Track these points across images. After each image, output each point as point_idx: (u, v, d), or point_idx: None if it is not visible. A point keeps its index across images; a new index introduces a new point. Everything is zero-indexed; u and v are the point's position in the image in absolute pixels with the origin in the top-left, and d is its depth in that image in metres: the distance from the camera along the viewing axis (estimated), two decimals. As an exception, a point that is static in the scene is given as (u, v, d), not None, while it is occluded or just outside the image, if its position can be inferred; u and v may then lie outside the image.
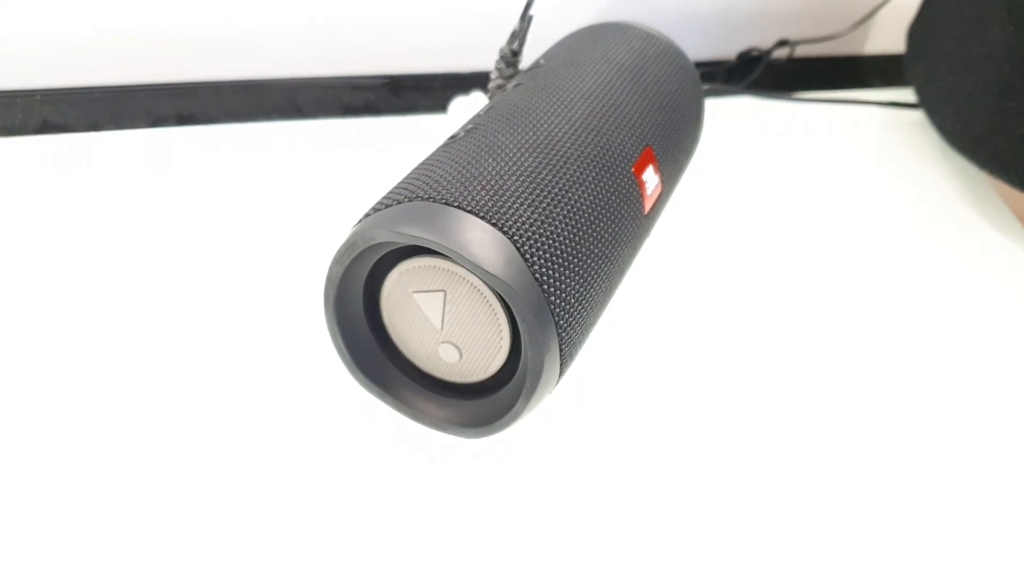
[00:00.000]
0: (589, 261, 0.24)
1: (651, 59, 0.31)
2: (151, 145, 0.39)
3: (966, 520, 0.28)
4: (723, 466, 0.28)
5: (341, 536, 0.25)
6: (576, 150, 0.25)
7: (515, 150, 0.25)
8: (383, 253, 0.24)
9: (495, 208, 0.23)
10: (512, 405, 0.24)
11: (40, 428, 0.27)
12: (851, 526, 0.27)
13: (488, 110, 0.27)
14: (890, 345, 0.34)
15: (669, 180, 0.30)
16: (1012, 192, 0.41)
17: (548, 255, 0.23)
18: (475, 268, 0.22)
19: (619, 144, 0.27)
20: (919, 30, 0.46)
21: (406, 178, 0.25)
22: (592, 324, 0.26)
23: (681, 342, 0.32)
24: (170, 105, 0.41)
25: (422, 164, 0.25)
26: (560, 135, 0.26)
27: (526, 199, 0.23)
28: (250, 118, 0.42)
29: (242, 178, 0.37)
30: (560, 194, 0.24)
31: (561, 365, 0.24)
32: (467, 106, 0.39)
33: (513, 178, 0.24)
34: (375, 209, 0.24)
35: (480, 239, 0.22)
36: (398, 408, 0.27)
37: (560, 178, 0.24)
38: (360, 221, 0.24)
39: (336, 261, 0.24)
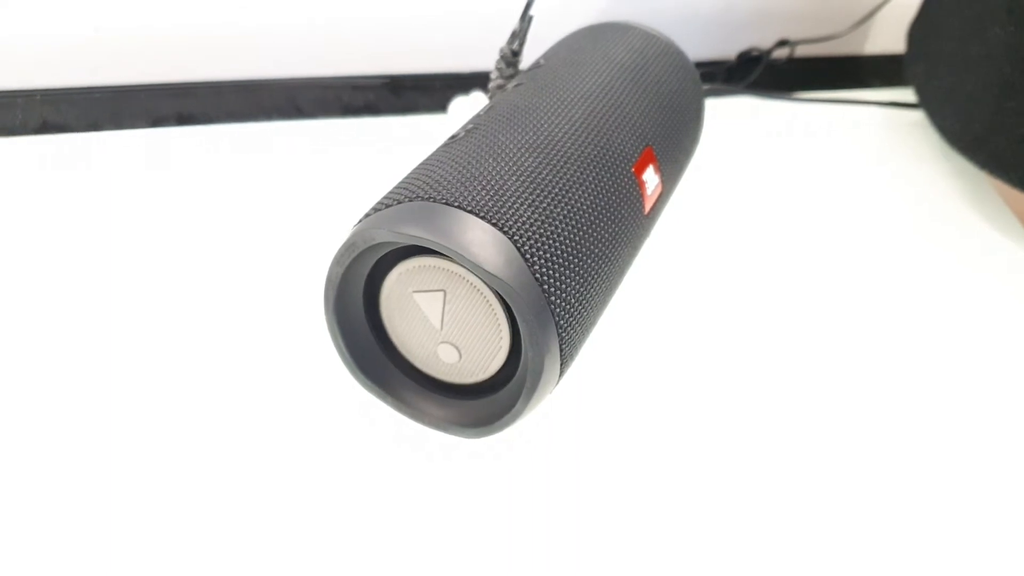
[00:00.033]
0: (589, 261, 0.24)
1: (651, 59, 0.31)
2: (151, 145, 0.39)
3: (966, 520, 0.28)
4: (723, 466, 0.28)
5: (341, 536, 0.25)
6: (576, 150, 0.25)
7: (515, 150, 0.25)
8: (383, 253, 0.24)
9: (495, 208, 0.23)
10: (512, 405, 0.24)
11: (40, 428, 0.27)
12: (851, 526, 0.27)
13: (488, 110, 0.27)
14: (890, 345, 0.34)
15: (669, 180, 0.30)
16: (1012, 192, 0.41)
17: (548, 255, 0.23)
18: (475, 268, 0.22)
19: (619, 144, 0.27)
20: (919, 30, 0.46)
21: (406, 178, 0.25)
22: (592, 324, 0.26)
23: (681, 342, 0.32)
24: (170, 105, 0.41)
25: (422, 164, 0.25)
26: (560, 135, 0.26)
27: (526, 199, 0.23)
28: (250, 118, 0.42)
29: (242, 178, 0.37)
30: (560, 194, 0.24)
31: (561, 365, 0.24)
32: (467, 106, 0.39)
33: (513, 178, 0.24)
34: (375, 209, 0.24)
35: (480, 239, 0.22)
36: (398, 408, 0.27)
37: (560, 178, 0.24)
38: (360, 221, 0.24)
39: (336, 261, 0.24)
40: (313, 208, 0.35)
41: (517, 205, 0.23)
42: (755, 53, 0.50)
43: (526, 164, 0.24)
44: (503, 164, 0.24)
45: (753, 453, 0.29)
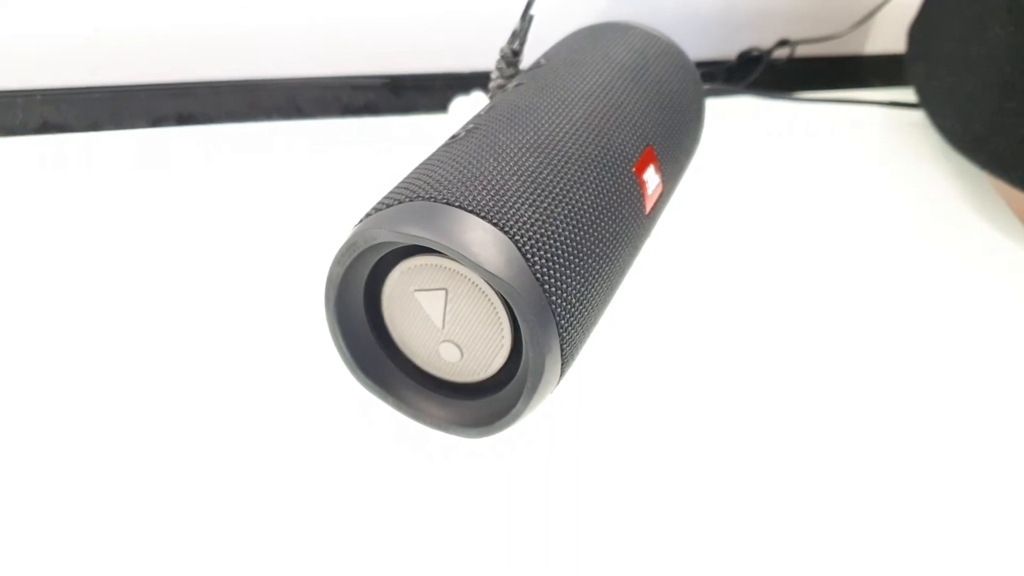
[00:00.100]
0: (590, 261, 0.24)
1: (652, 59, 0.31)
2: (151, 145, 0.39)
3: (966, 520, 0.28)
4: (724, 466, 0.28)
5: (341, 536, 0.25)
6: (577, 150, 0.25)
7: (516, 150, 0.25)
8: (384, 253, 0.24)
9: (496, 208, 0.23)
10: (513, 405, 0.24)
11: (40, 428, 0.26)
12: (851, 526, 0.27)
13: (489, 110, 0.27)
14: (891, 345, 0.34)
15: (670, 180, 0.30)
16: (1013, 192, 0.41)
17: (549, 255, 0.23)
18: (476, 268, 0.22)
19: (620, 144, 0.27)
20: (919, 30, 0.46)
21: (407, 178, 0.25)
22: (593, 324, 0.26)
23: (682, 342, 0.32)
24: (170, 105, 0.41)
25: (423, 164, 0.25)
26: (561, 135, 0.26)
27: (527, 199, 0.23)
28: (250, 118, 0.42)
29: (242, 178, 0.37)
30: (561, 194, 0.24)
31: (562, 365, 0.24)
32: (468, 106, 0.39)
33: (514, 178, 0.24)
34: (376, 209, 0.24)
35: (481, 239, 0.22)
36: (399, 408, 0.27)
37: (561, 178, 0.24)
38: (361, 221, 0.24)
39: (337, 261, 0.24)
40: (313, 208, 0.35)
41: (518, 205, 0.23)
42: (755, 53, 0.50)
43: (527, 164, 0.24)
44: (504, 164, 0.24)
45: (754, 453, 0.29)
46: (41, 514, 0.24)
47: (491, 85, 0.34)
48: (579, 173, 0.25)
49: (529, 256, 0.22)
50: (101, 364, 0.29)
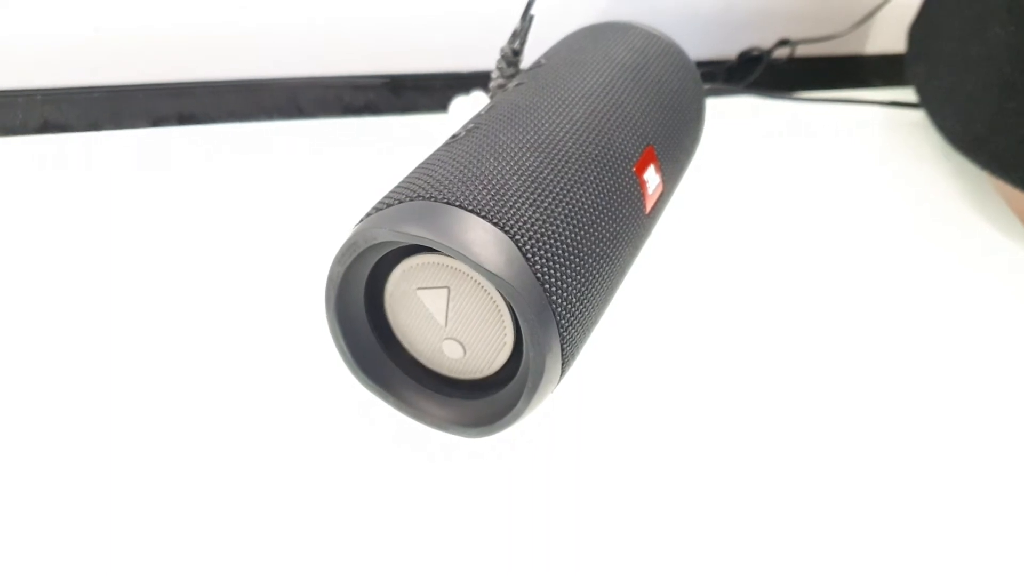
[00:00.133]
0: (591, 260, 0.24)
1: (652, 59, 0.31)
2: (151, 145, 0.39)
3: (966, 520, 0.28)
4: (724, 466, 0.28)
5: (341, 536, 0.25)
6: (577, 149, 0.25)
7: (516, 149, 0.25)
8: (384, 252, 0.24)
9: (497, 207, 0.23)
10: (513, 405, 0.24)
11: (41, 427, 0.26)
12: (851, 526, 0.27)
13: (489, 110, 0.27)
14: (891, 345, 0.34)
15: (670, 180, 0.30)
16: (1013, 192, 0.41)
17: (550, 254, 0.23)
18: (477, 268, 0.22)
19: (620, 143, 0.27)
20: (920, 30, 0.46)
21: (407, 177, 0.25)
22: (594, 323, 0.26)
23: (682, 342, 0.32)
24: (170, 105, 0.41)
25: (423, 164, 0.25)
26: (561, 134, 0.26)
27: (527, 198, 0.23)
28: (250, 118, 0.42)
29: (242, 178, 0.37)
30: (561, 193, 0.24)
31: (563, 365, 0.24)
32: (468, 106, 0.39)
33: (514, 177, 0.24)
34: (376, 208, 0.24)
35: (482, 239, 0.22)
36: (399, 408, 0.27)
37: (561, 177, 0.24)
38: (361, 220, 0.24)
39: (337, 261, 0.24)
40: (314, 208, 0.35)
41: (518, 204, 0.23)
42: (756, 53, 0.50)
43: (527, 163, 0.24)
44: (504, 163, 0.24)
45: (754, 452, 0.29)
46: (41, 514, 0.24)
47: (491, 85, 0.34)
48: (579, 173, 0.25)
49: (529, 256, 0.22)
50: (102, 364, 0.29)
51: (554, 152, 0.25)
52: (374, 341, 0.26)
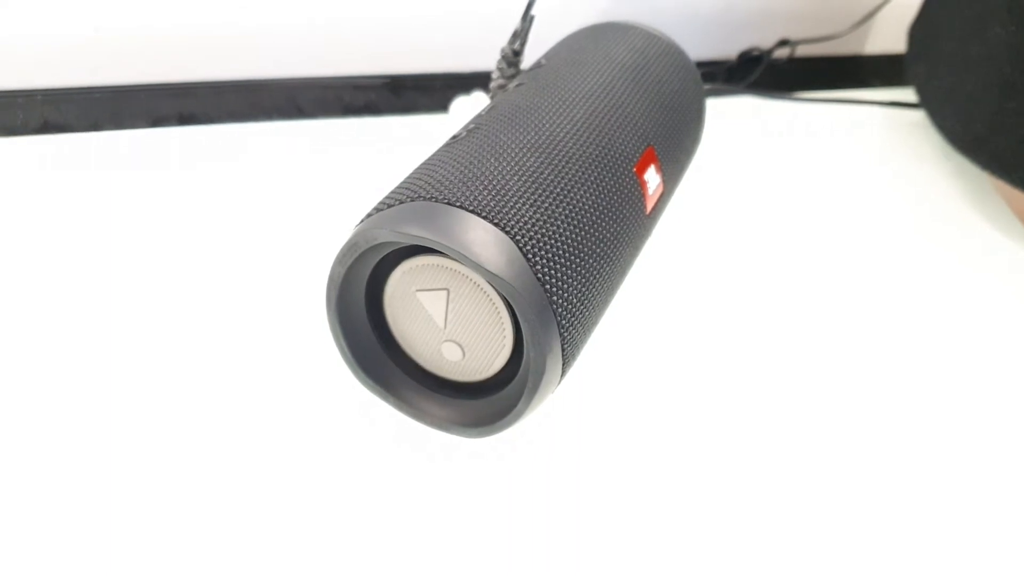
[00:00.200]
0: (591, 261, 0.24)
1: (652, 59, 0.31)
2: (152, 145, 0.39)
3: (966, 520, 0.28)
4: (725, 466, 0.28)
5: (342, 536, 0.25)
6: (578, 150, 0.25)
7: (517, 150, 0.25)
8: (385, 253, 0.24)
9: (497, 208, 0.23)
10: (514, 405, 0.24)
11: (41, 427, 0.26)
12: (851, 526, 0.27)
13: (490, 110, 0.27)
14: (891, 345, 0.34)
15: (671, 180, 0.30)
16: (1013, 192, 0.41)
17: (550, 255, 0.23)
18: (477, 268, 0.22)
19: (621, 144, 0.27)
20: (920, 30, 0.46)
21: (408, 178, 0.25)
22: (594, 324, 0.26)
23: (683, 342, 0.32)
24: (171, 105, 0.41)
25: (424, 164, 0.25)
26: (562, 135, 0.26)
27: (528, 199, 0.23)
28: (250, 118, 0.42)
29: (243, 178, 0.37)
30: (562, 194, 0.24)
31: (563, 365, 0.24)
32: (468, 106, 0.39)
33: (515, 178, 0.24)
34: (377, 209, 0.24)
35: (482, 239, 0.22)
36: (400, 408, 0.27)
37: (562, 178, 0.24)
38: (362, 221, 0.24)
39: (338, 261, 0.24)
40: (314, 208, 0.35)
41: (519, 205, 0.23)
42: (756, 53, 0.50)
43: (528, 164, 0.24)
44: (505, 164, 0.24)
45: (754, 453, 0.29)
46: (41, 513, 0.24)
47: (492, 85, 0.34)
48: (580, 173, 0.25)
49: (530, 256, 0.22)
50: (103, 364, 0.29)
51: (555, 152, 0.25)
52: (375, 341, 0.26)
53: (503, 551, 0.25)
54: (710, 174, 0.38)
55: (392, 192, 0.24)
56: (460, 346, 0.25)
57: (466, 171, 0.24)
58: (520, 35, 0.32)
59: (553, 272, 0.23)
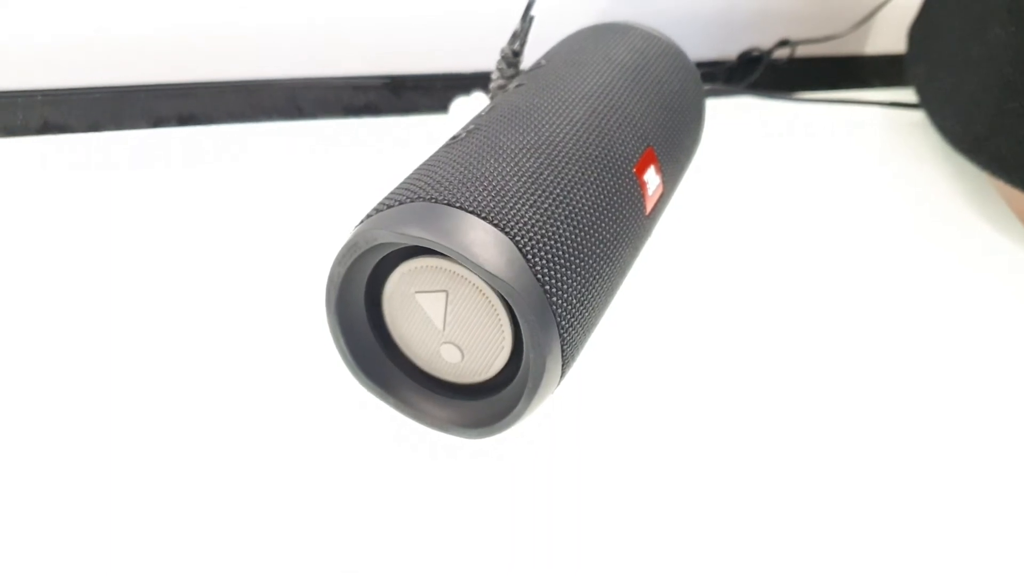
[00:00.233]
0: (591, 262, 0.24)
1: (652, 59, 0.31)
2: (152, 146, 0.39)
3: (966, 520, 0.28)
4: (725, 466, 0.28)
5: (342, 536, 0.25)
6: (578, 150, 0.25)
7: (517, 151, 0.25)
8: (385, 253, 0.24)
9: (497, 209, 0.23)
10: (514, 406, 0.24)
11: (42, 428, 0.26)
12: (851, 526, 0.27)
13: (489, 110, 0.27)
14: (891, 345, 0.34)
15: (670, 180, 0.30)
16: (1013, 193, 0.41)
17: (550, 256, 0.23)
18: (477, 269, 0.22)
19: (620, 144, 0.27)
20: (920, 30, 0.46)
21: (408, 179, 0.25)
22: (594, 325, 0.26)
23: (683, 343, 0.32)
24: (171, 105, 0.41)
25: (424, 165, 0.25)
26: (562, 135, 0.26)
27: (528, 200, 0.23)
28: (251, 118, 0.42)
29: (243, 179, 0.37)
30: (562, 195, 0.24)
31: (563, 366, 0.24)
32: (468, 106, 0.39)
33: (515, 179, 0.24)
34: (377, 210, 0.24)
35: (482, 240, 0.22)
36: (399, 409, 0.27)
37: (562, 178, 0.24)
38: (362, 222, 0.24)
39: (338, 262, 0.24)
40: (314, 208, 0.35)
41: (519, 206, 0.23)
42: (756, 53, 0.50)
43: (527, 164, 0.24)
44: (504, 165, 0.24)
45: (754, 453, 0.29)
46: (40, 513, 0.24)
47: (492, 86, 0.34)
48: (580, 174, 0.25)
49: (530, 257, 0.22)
50: (103, 365, 0.29)
51: (554, 153, 0.25)
52: (374, 342, 0.26)
53: (503, 551, 0.25)
54: (710, 175, 0.38)
55: (392, 193, 0.24)
56: (459, 348, 0.25)
57: (466, 172, 0.24)
58: (520, 35, 0.32)
59: (553, 273, 0.23)
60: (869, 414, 0.31)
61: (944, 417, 0.31)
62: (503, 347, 0.25)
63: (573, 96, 0.27)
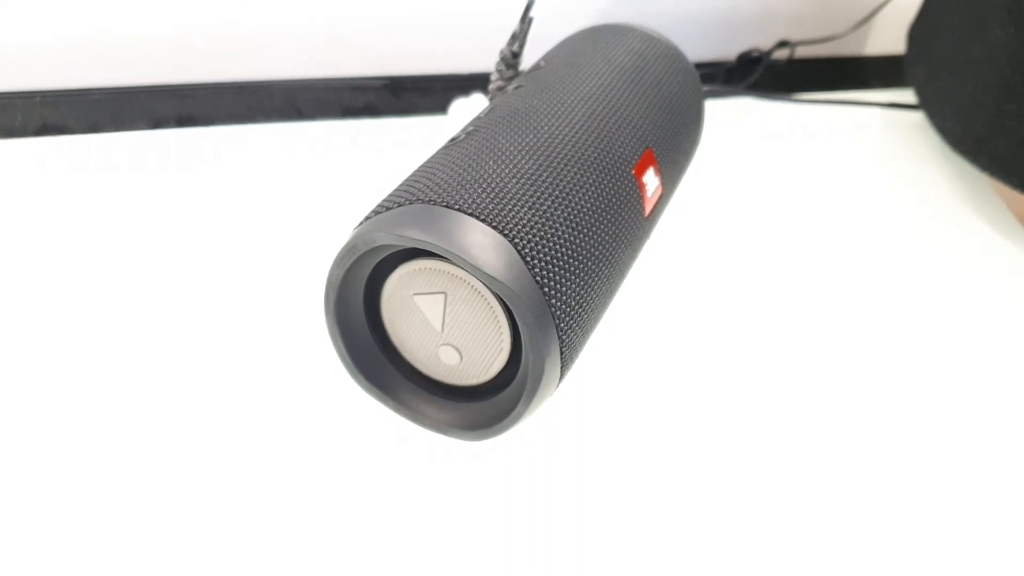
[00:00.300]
0: (590, 263, 0.24)
1: (651, 61, 0.31)
2: (151, 147, 0.39)
3: (966, 520, 0.28)
4: (724, 467, 0.28)
5: (341, 538, 0.25)
6: (576, 152, 0.25)
7: (516, 152, 0.25)
8: (384, 255, 0.24)
9: (496, 211, 0.23)
10: (513, 408, 0.24)
11: (42, 428, 0.26)
12: (851, 527, 0.27)
13: (488, 112, 0.27)
14: (891, 346, 0.34)
15: (669, 182, 0.30)
16: (1013, 194, 0.41)
17: (549, 258, 0.23)
18: (476, 271, 0.22)
19: (619, 146, 0.27)
20: (919, 31, 0.46)
21: (407, 180, 0.25)
22: (593, 327, 0.26)
23: (682, 344, 0.32)
24: (170, 107, 0.41)
25: (423, 166, 0.25)
26: (561, 137, 0.26)
27: (527, 202, 0.23)
28: (250, 120, 0.42)
29: (242, 180, 0.37)
30: (561, 196, 0.24)
31: (562, 368, 0.24)
32: (467, 108, 0.39)
33: (514, 180, 0.24)
34: (376, 212, 0.24)
35: (481, 242, 0.22)
36: (398, 411, 0.27)
37: (561, 180, 0.24)
38: (361, 223, 0.24)
39: (337, 263, 0.24)
40: (313, 210, 0.35)
41: (517, 208, 0.23)
42: (755, 54, 0.50)
43: (526, 166, 0.24)
44: (503, 166, 0.24)
45: (754, 454, 0.29)
46: (39, 512, 0.24)
47: (491, 87, 0.34)
48: (578, 175, 0.25)
49: (529, 259, 0.22)
50: (102, 365, 0.29)
51: (553, 155, 0.25)
52: (373, 344, 0.26)
53: (502, 552, 0.25)
54: (709, 176, 0.38)
55: (391, 195, 0.24)
56: (457, 350, 0.25)
57: (465, 174, 0.24)
58: (519, 37, 0.32)
59: (552, 275, 0.23)
60: (869, 414, 0.31)
61: (944, 417, 0.31)
62: (502, 349, 0.25)
63: (572, 98, 0.27)
